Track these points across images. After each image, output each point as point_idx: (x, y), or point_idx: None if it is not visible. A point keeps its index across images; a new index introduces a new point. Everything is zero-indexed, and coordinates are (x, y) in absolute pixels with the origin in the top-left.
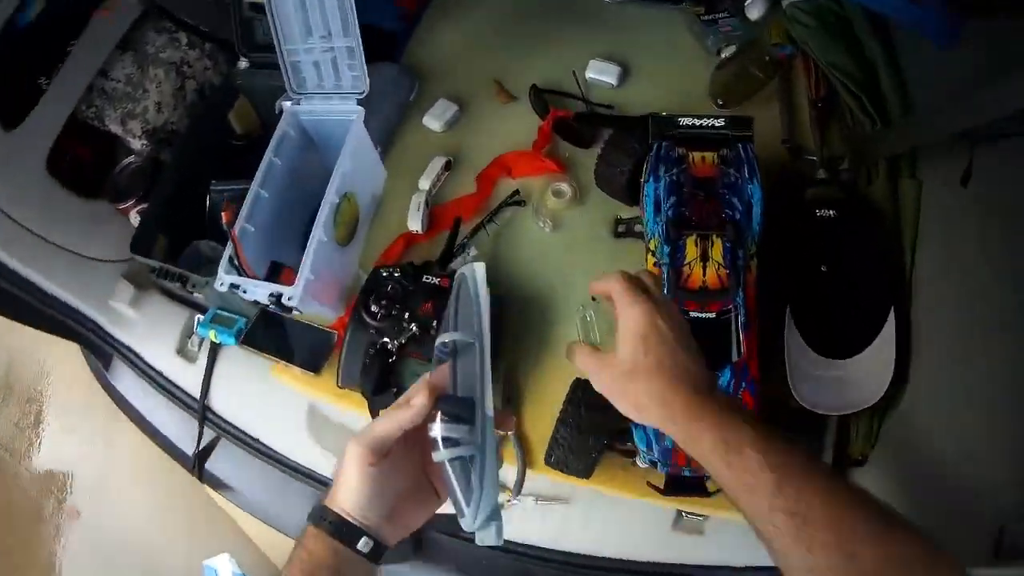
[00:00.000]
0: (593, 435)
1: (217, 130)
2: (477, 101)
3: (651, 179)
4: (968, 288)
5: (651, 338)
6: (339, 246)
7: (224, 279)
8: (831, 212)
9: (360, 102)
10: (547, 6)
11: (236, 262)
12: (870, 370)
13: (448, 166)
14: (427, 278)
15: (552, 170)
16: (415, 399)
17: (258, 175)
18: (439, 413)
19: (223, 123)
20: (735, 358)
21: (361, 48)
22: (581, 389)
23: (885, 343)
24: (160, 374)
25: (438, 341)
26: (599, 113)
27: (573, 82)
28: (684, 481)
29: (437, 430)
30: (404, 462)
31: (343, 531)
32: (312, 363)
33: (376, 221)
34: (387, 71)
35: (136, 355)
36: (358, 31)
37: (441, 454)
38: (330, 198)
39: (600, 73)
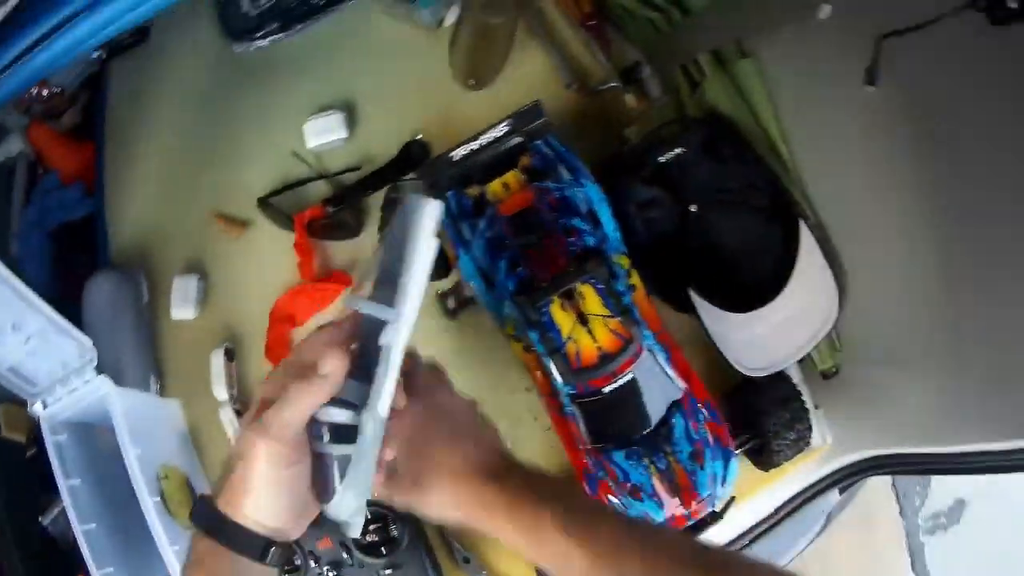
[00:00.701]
0: None
1: None
2: (212, 254)
3: (459, 250)
4: (871, 175)
5: (415, 440)
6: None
7: None
8: (679, 150)
9: (101, 367)
10: (222, 101)
11: None
12: (807, 299)
13: (231, 354)
14: None
15: (340, 289)
16: (324, 365)
17: (66, 500)
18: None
19: None
20: (677, 396)
21: (58, 318)
22: None
23: (809, 263)
24: None
25: (348, 297)
26: (349, 186)
27: (300, 164)
28: (702, 522)
29: (330, 415)
30: (305, 446)
31: (253, 545)
32: None
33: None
34: (102, 289)
35: None
36: (43, 306)
37: (328, 447)
38: (144, 498)
39: (322, 134)
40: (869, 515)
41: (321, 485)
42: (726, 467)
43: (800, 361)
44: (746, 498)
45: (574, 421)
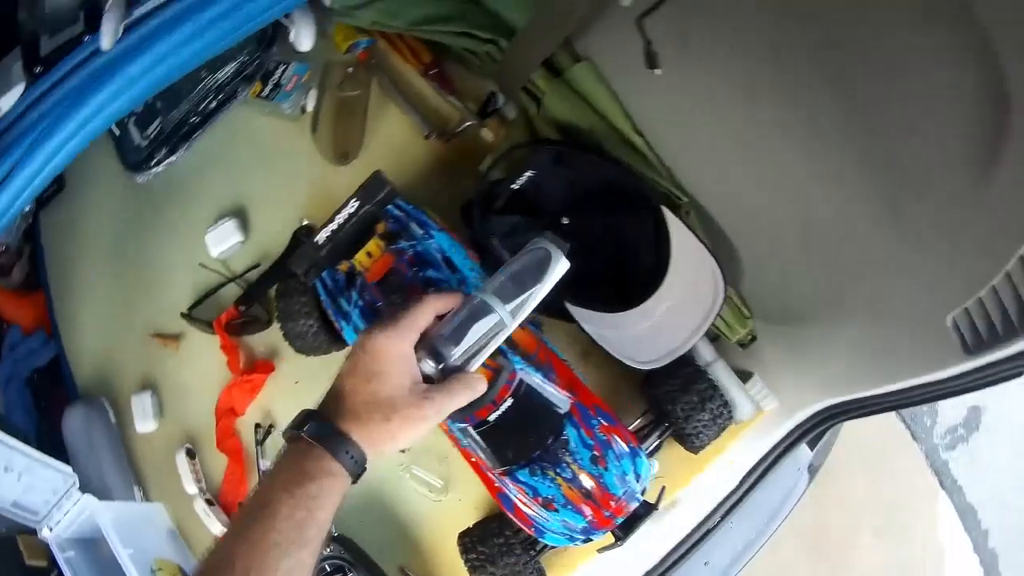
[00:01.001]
0: (510, 557)
1: None
2: (159, 370)
3: (343, 323)
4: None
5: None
6: None
7: None
8: (530, 173)
9: (84, 487)
10: (137, 229)
11: None
12: (689, 282)
13: (191, 453)
14: None
15: (265, 376)
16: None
17: None
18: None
19: None
20: (564, 409)
21: (38, 454)
22: (468, 537)
23: (682, 247)
24: None
25: (478, 289)
26: (253, 282)
27: (210, 274)
28: (635, 515)
29: (425, 364)
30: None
31: (356, 460)
32: None
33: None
34: (76, 420)
35: None
36: (25, 447)
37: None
38: None
39: (221, 242)
40: (883, 450)
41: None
42: (635, 463)
43: (715, 339)
44: (690, 480)
45: (474, 451)
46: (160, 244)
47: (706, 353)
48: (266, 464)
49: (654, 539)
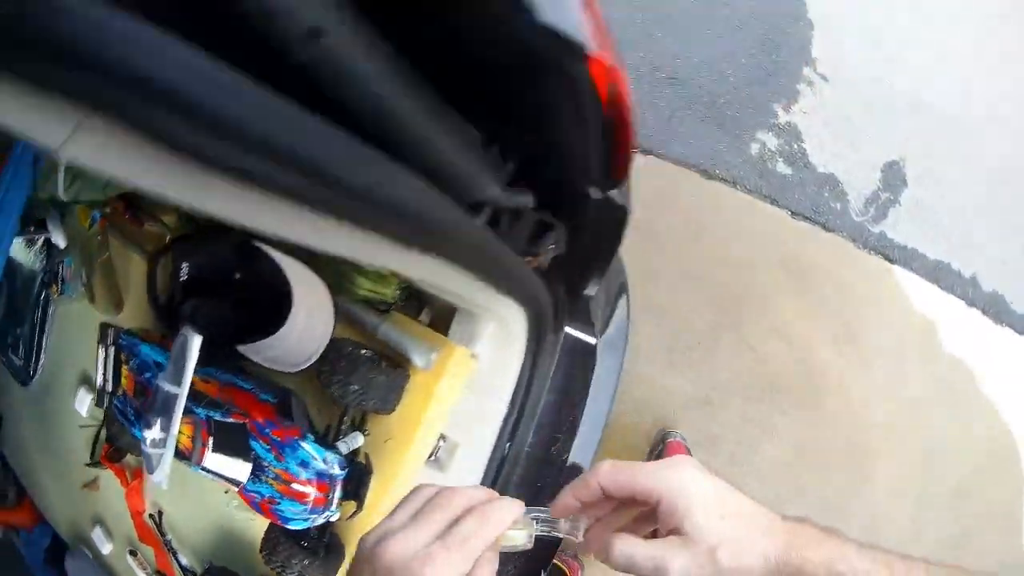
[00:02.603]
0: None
1: None
2: (99, 506)
3: (132, 428)
4: None
5: (725, 497)
6: None
7: None
8: (185, 265)
9: None
10: (39, 424)
11: None
12: (311, 296)
13: (133, 553)
14: None
15: (139, 483)
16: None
17: None
18: None
19: None
20: (247, 429)
21: None
22: (263, 551)
23: (292, 271)
24: None
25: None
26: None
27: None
28: (353, 480)
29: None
30: None
31: None
32: None
33: None
34: (71, 566)
35: None
36: None
37: None
38: None
39: (82, 404)
40: (797, 259)
41: None
42: (299, 448)
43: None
44: (420, 424)
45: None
46: (61, 424)
47: (369, 321)
48: (173, 540)
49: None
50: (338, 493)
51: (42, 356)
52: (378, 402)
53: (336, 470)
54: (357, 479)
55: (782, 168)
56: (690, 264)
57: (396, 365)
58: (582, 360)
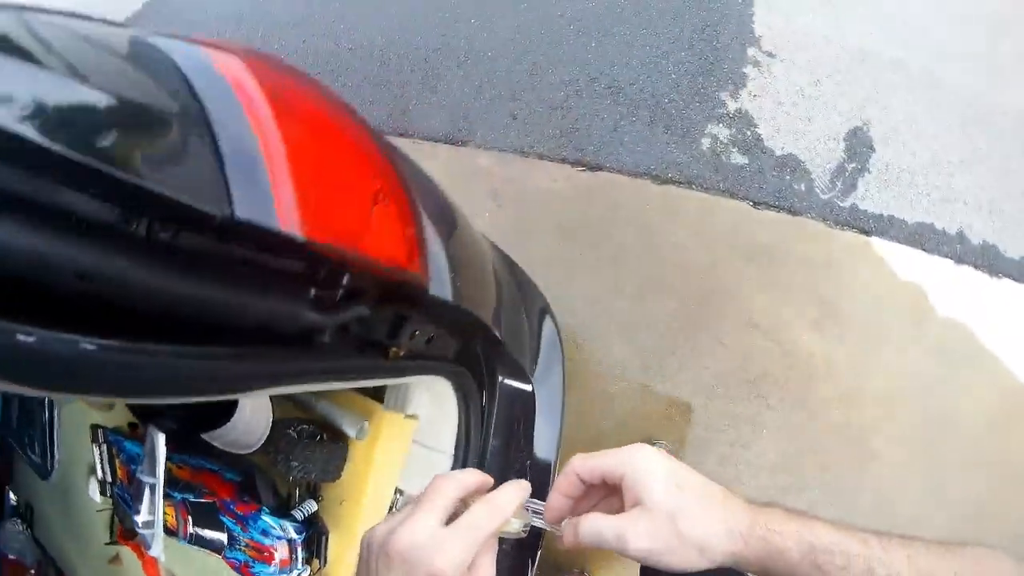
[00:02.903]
0: None
1: None
2: None
3: (130, 512)
4: None
5: (679, 471)
6: None
7: None
8: None
9: None
10: (61, 515)
11: None
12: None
13: None
14: None
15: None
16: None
17: None
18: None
19: None
20: (216, 508)
21: None
22: None
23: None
24: None
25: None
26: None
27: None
28: (313, 542)
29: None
30: None
31: None
32: None
33: None
34: None
35: None
36: None
37: None
38: None
39: (95, 493)
40: (767, 248)
41: None
42: (259, 520)
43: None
44: (367, 484)
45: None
46: (81, 510)
47: (308, 399)
48: None
49: None
50: (300, 553)
51: (56, 452)
52: (320, 473)
53: (292, 535)
54: (316, 539)
55: (737, 158)
56: (653, 274)
57: (336, 437)
58: (521, 402)
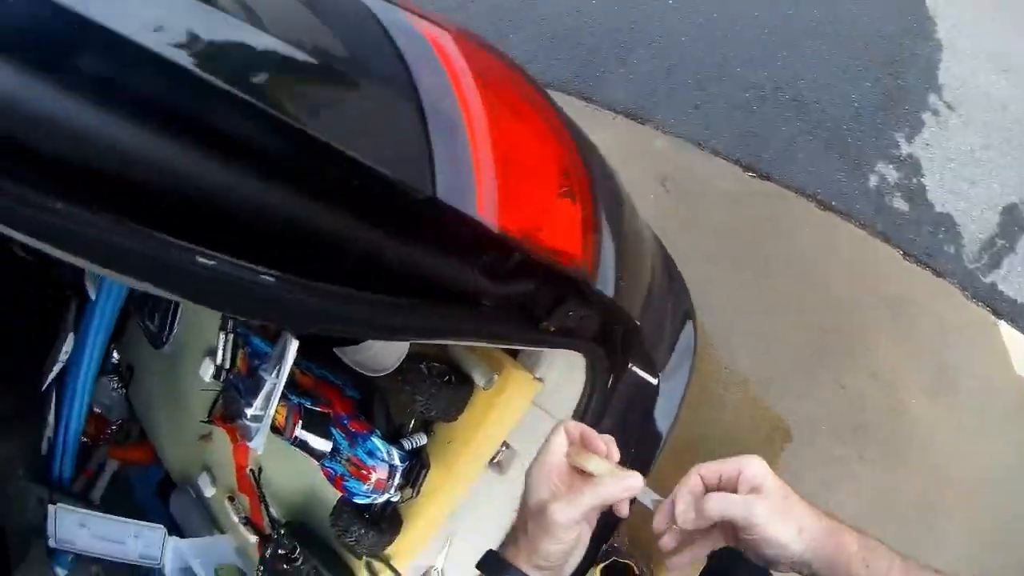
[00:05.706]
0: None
1: None
2: (208, 456)
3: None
4: None
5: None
6: None
7: None
8: None
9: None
10: (164, 380)
11: None
12: None
13: (231, 499)
14: None
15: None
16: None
17: None
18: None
19: None
20: (329, 418)
21: (146, 524)
22: (336, 527)
23: None
24: None
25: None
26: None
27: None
28: (413, 470)
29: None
30: None
31: None
32: None
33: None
34: (176, 499)
35: None
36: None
37: None
38: None
39: (206, 372)
40: (902, 302)
41: None
42: (369, 440)
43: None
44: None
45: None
46: (186, 385)
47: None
48: (266, 493)
49: None
50: (398, 480)
51: (175, 327)
52: (439, 413)
53: (396, 461)
54: (416, 470)
55: (899, 204)
56: (795, 296)
57: (465, 380)
58: (642, 392)
